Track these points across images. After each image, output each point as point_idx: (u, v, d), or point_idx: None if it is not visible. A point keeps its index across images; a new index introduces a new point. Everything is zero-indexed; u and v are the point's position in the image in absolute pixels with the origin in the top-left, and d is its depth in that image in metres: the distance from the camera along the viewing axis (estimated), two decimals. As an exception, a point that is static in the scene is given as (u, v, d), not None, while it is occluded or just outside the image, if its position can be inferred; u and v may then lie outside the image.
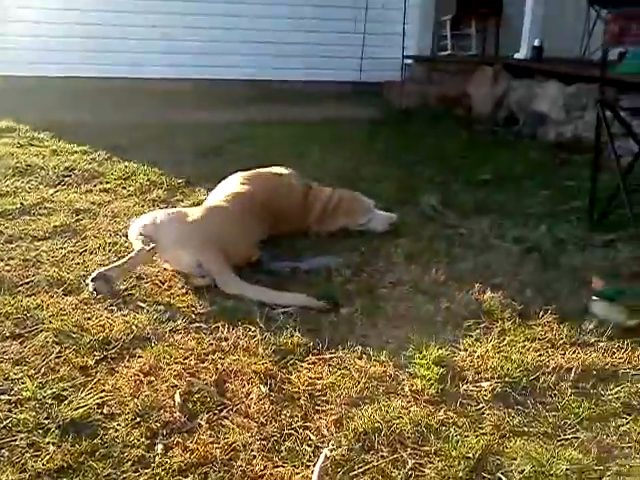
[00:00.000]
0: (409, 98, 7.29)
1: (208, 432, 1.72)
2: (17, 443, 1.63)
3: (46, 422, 1.71)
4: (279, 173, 3.32)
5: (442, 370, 2.02)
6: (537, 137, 5.56)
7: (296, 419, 1.78)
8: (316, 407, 1.84)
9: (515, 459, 1.66)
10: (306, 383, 1.94)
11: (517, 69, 6.39)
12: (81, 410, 1.77)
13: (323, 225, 3.21)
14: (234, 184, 3.10)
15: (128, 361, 2.03)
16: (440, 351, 2.12)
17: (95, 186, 3.90)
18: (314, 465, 1.60)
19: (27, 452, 1.61)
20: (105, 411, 1.79)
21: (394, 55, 8.28)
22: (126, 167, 4.27)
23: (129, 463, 1.60)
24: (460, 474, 1.60)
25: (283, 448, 1.67)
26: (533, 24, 6.54)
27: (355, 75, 8.43)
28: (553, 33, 6.40)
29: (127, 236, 2.97)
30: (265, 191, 3.09)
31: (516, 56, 6.68)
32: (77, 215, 3.35)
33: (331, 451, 1.66)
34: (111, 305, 2.39)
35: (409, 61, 8.38)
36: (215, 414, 1.80)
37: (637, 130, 3.54)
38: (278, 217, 3.07)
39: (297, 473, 1.58)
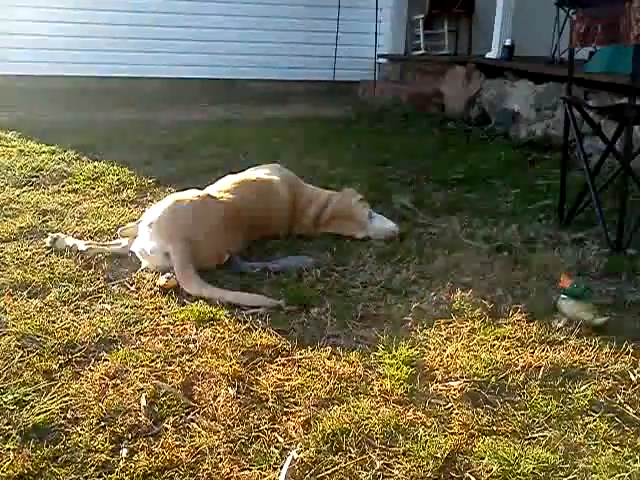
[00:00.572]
0: (382, 97, 7.31)
1: (174, 435, 1.69)
2: (-24, 451, 1.59)
3: (7, 428, 1.67)
4: (267, 180, 3.17)
5: (411, 370, 2.02)
6: (509, 136, 5.60)
7: (264, 421, 1.76)
8: (284, 409, 1.82)
9: (483, 458, 1.66)
10: (274, 385, 1.92)
11: (489, 68, 6.44)
12: (43, 415, 1.73)
13: (314, 231, 3.15)
14: (223, 190, 3.01)
15: (93, 365, 1.99)
16: (410, 351, 2.12)
17: (63, 187, 3.83)
18: (281, 468, 1.58)
19: (-14, 459, 1.57)
20: (69, 416, 1.75)
21: (367, 54, 8.30)
22: (95, 167, 4.21)
23: (92, 468, 1.57)
24: (429, 474, 1.60)
25: (250, 451, 1.65)
26: (504, 24, 6.59)
27: (329, 74, 8.42)
28: (524, 33, 6.46)
29: (93, 236, 2.95)
30: (249, 202, 2.97)
31: (487, 55, 6.73)
32: (44, 216, 3.28)
33: (299, 453, 1.64)
34: (77, 308, 2.34)
35: (382, 60, 8.41)
36: (182, 417, 1.77)
37: (605, 129, 3.57)
38: (261, 225, 3.02)
39: (264, 476, 1.56)
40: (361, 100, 7.76)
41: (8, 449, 1.60)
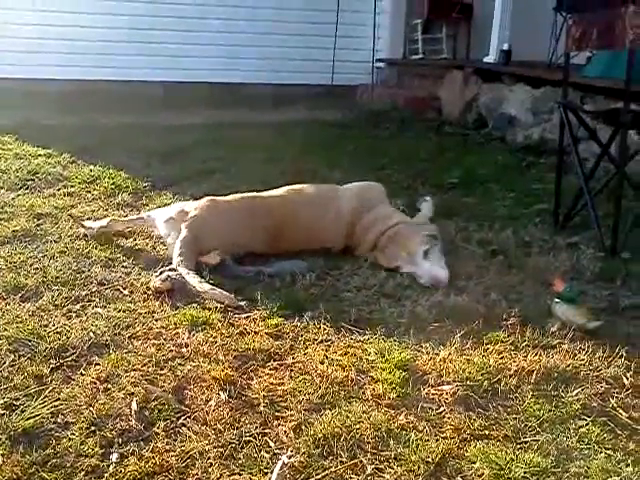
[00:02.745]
0: (380, 101, 7.32)
1: (165, 440, 1.69)
2: (-36, 455, 1.59)
3: (-4, 433, 1.67)
4: (329, 190, 3.20)
5: (404, 374, 2.01)
6: (505, 140, 5.60)
7: (255, 426, 1.76)
8: (276, 413, 1.82)
9: (475, 463, 1.65)
10: (266, 389, 1.92)
11: (486, 73, 6.44)
12: (33, 420, 1.72)
13: (372, 258, 2.91)
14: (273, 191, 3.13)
15: (85, 369, 1.99)
16: (403, 355, 2.11)
17: (59, 190, 3.84)
18: (272, 472, 1.58)
19: (-25, 465, 1.56)
20: (59, 420, 1.74)
21: (365, 59, 8.32)
22: (91, 171, 4.21)
23: (82, 473, 1.56)
24: (420, 478, 1.59)
25: (241, 455, 1.64)
26: (501, 28, 6.60)
27: (327, 78, 8.43)
28: (521, 37, 6.46)
29: (88, 240, 2.96)
30: (291, 205, 3.02)
31: (485, 60, 6.74)
32: (38, 220, 3.28)
33: (289, 458, 1.63)
34: (69, 312, 2.34)
35: (380, 64, 8.43)
36: (172, 422, 1.76)
37: (600, 133, 3.57)
38: (304, 233, 2.96)
39: (254, 481, 1.56)
40: (359, 104, 7.76)
41: (-3, 454, 1.59)
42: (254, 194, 3.11)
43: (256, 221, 2.92)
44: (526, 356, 2.13)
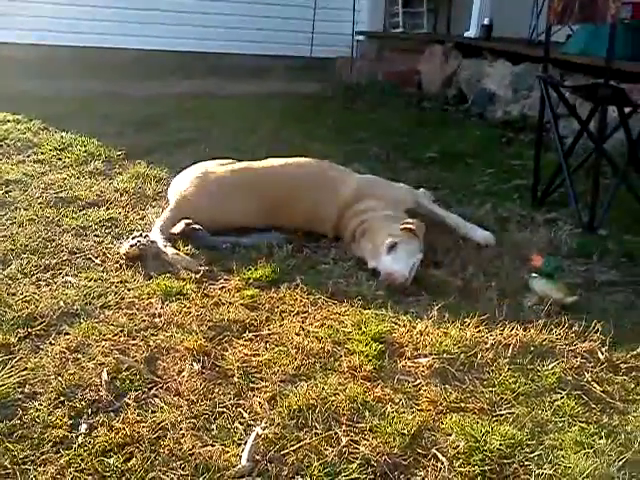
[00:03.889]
0: (360, 74, 7.23)
1: (136, 411, 1.65)
2: None
3: (-41, 403, 1.62)
4: (332, 173, 2.99)
5: (381, 346, 1.99)
6: (485, 115, 5.59)
7: (229, 397, 1.73)
8: (250, 384, 1.79)
9: (450, 435, 1.64)
10: (241, 360, 1.88)
11: (467, 48, 6.39)
12: (-1, 389, 1.67)
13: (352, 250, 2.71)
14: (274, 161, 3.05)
15: (54, 338, 1.93)
16: (379, 327, 2.09)
17: (28, 157, 3.73)
18: (245, 443, 1.55)
19: (-64, 435, 1.51)
20: (26, 390, 1.70)
21: (345, 31, 8.18)
22: (62, 138, 4.09)
23: (49, 444, 1.52)
24: (395, 450, 1.58)
25: (214, 427, 1.62)
26: (483, 3, 6.53)
27: (306, 50, 8.29)
28: (503, 12, 6.41)
29: (57, 207, 2.88)
30: (288, 179, 2.92)
31: (466, 35, 6.68)
32: (7, 186, 3.19)
33: (263, 429, 1.61)
34: (38, 280, 2.28)
35: (360, 37, 8.30)
36: (144, 392, 1.73)
37: (580, 110, 3.56)
38: (300, 212, 2.85)
39: (227, 452, 1.53)
40: (338, 77, 7.65)
41: (-40, 424, 1.54)
42: (250, 164, 3.04)
43: (251, 195, 2.84)
44: (503, 330, 2.12)
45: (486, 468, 1.54)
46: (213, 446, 1.55)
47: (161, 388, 1.75)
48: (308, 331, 2.07)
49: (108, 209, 3.00)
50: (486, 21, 6.37)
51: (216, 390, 1.75)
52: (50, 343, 1.91)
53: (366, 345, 1.99)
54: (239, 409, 1.69)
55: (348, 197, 2.83)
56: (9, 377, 1.72)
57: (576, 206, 3.07)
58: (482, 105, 5.72)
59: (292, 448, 1.56)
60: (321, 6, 8.25)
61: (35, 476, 1.42)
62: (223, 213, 2.80)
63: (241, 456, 1.51)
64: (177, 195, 2.86)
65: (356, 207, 2.78)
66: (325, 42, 8.26)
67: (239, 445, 1.56)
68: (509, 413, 1.74)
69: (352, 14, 8.12)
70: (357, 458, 1.55)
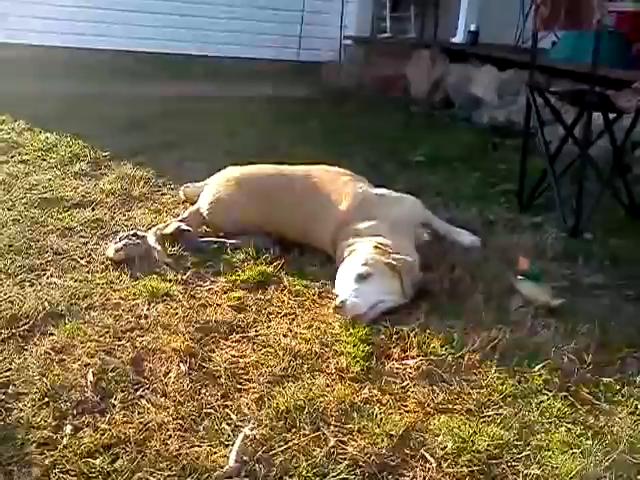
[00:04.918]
0: (347, 79, 7.25)
1: (122, 412, 1.63)
2: None
3: (-59, 403, 1.59)
4: (344, 187, 2.74)
5: (368, 348, 1.99)
6: (472, 120, 5.62)
7: (216, 398, 1.72)
8: (237, 385, 1.78)
9: (438, 436, 1.64)
10: (228, 361, 1.87)
11: (454, 53, 6.43)
12: (-18, 390, 1.65)
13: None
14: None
15: (38, 339, 1.91)
16: (367, 329, 2.09)
17: (12, 157, 3.69)
18: (233, 444, 1.54)
19: None
20: (10, 391, 1.68)
21: (333, 35, 8.21)
22: (47, 138, 4.06)
23: (34, 445, 1.50)
24: (383, 451, 1.57)
25: (201, 427, 1.60)
26: (469, 9, 6.58)
27: (293, 54, 8.31)
28: (489, 19, 6.46)
29: (42, 208, 2.85)
30: (296, 191, 2.75)
31: (453, 40, 6.72)
32: (-9, 186, 3.15)
33: (251, 430, 1.60)
34: (23, 281, 2.25)
35: (348, 42, 8.33)
36: (130, 393, 1.71)
37: (566, 116, 3.59)
38: (298, 224, 2.71)
39: (214, 452, 1.52)
40: (325, 81, 7.67)
41: (-58, 425, 1.52)
42: (276, 168, 2.95)
43: (258, 199, 2.78)
44: (490, 332, 2.13)
45: (474, 469, 1.54)
46: (200, 447, 1.54)
47: (147, 389, 1.73)
48: (295, 333, 2.06)
49: (93, 210, 2.97)
50: (472, 27, 6.41)
51: (203, 391, 1.74)
52: (34, 344, 1.89)
53: (354, 347, 1.99)
54: (226, 410, 1.68)
55: (346, 214, 2.60)
56: (-8, 378, 1.70)
57: (561, 210, 3.09)
58: (469, 110, 5.76)
59: (280, 449, 1.55)
60: (309, 10, 8.27)
61: (19, 477, 1.40)
62: (235, 215, 2.80)
63: (229, 457, 1.50)
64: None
65: (355, 226, 2.52)
66: (313, 46, 8.28)
67: (227, 446, 1.55)
68: (496, 414, 1.74)
69: (340, 18, 8.15)
70: (345, 459, 1.54)
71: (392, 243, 2.40)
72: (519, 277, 2.45)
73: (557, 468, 1.54)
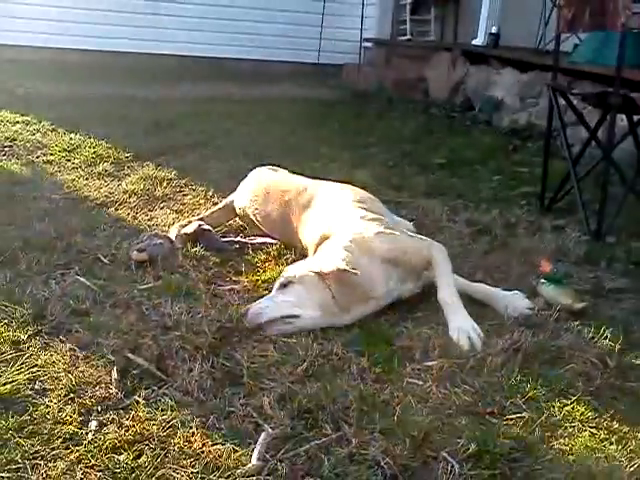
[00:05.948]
0: (367, 81, 7.26)
1: (145, 409, 1.65)
2: (-62, 420, 1.54)
3: (-30, 398, 1.62)
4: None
5: (390, 349, 1.99)
6: (492, 123, 5.59)
7: (238, 397, 1.72)
8: (260, 385, 1.78)
9: (460, 438, 1.63)
10: (250, 361, 1.88)
11: (474, 55, 6.41)
12: (10, 385, 1.68)
13: None
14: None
15: (64, 336, 1.94)
16: (389, 331, 2.09)
17: (38, 157, 3.75)
18: (255, 443, 1.55)
19: (-51, 429, 1.51)
20: (36, 387, 1.70)
21: (353, 38, 8.22)
22: (71, 139, 4.12)
23: (59, 440, 1.52)
24: (405, 452, 1.57)
25: (224, 426, 1.61)
26: (491, 11, 6.56)
27: (314, 56, 8.34)
28: (510, 21, 6.43)
29: (67, 207, 2.89)
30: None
31: (473, 42, 6.70)
32: (17, 186, 3.21)
33: (273, 429, 1.61)
34: (48, 278, 2.28)
35: (368, 44, 8.34)
36: (154, 391, 1.72)
37: (588, 118, 3.57)
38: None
39: (237, 451, 1.53)
40: (345, 83, 7.69)
41: (-29, 419, 1.55)
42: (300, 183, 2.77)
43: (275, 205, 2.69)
44: (512, 334, 2.11)
45: (496, 471, 1.53)
46: (223, 445, 1.55)
47: (171, 387, 1.74)
48: (317, 333, 2.06)
49: (117, 210, 3.01)
50: (494, 29, 6.39)
51: (225, 390, 1.75)
52: (60, 340, 1.91)
53: (375, 348, 1.99)
54: (248, 409, 1.68)
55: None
56: (19, 374, 1.73)
57: (584, 213, 3.07)
58: (489, 113, 5.73)
59: (302, 448, 1.56)
60: (329, 12, 8.29)
61: (46, 471, 1.42)
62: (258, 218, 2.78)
63: (251, 455, 1.51)
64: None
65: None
66: (333, 48, 8.30)
67: (249, 444, 1.56)
68: (519, 417, 1.73)
69: (360, 21, 8.16)
70: (367, 459, 1.54)
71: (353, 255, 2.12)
72: (541, 280, 2.43)
73: (581, 473, 1.53)
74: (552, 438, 1.65)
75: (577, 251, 2.84)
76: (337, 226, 2.31)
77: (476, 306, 2.29)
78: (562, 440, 1.65)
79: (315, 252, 2.31)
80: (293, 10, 8.29)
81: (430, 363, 1.94)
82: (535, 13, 6.42)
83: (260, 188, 2.82)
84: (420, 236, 2.46)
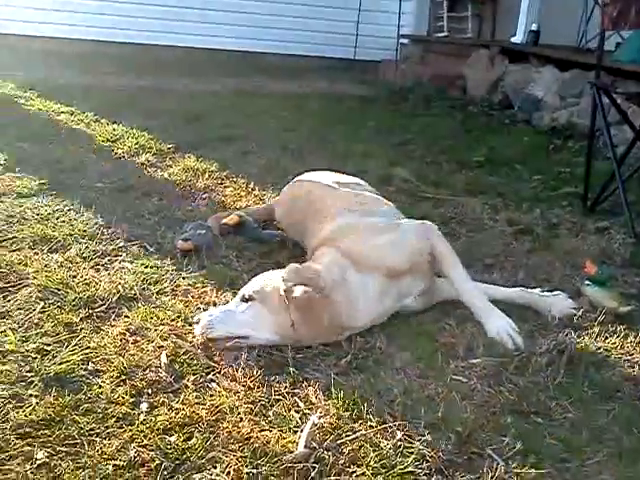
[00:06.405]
0: (403, 78, 7.23)
1: (194, 393, 1.68)
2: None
3: (29, 375, 1.68)
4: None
5: (433, 345, 1.99)
6: (532, 122, 5.53)
7: (284, 386, 1.74)
8: (305, 375, 1.80)
9: (505, 436, 1.63)
10: (295, 350, 1.90)
11: (513, 53, 6.34)
12: (65, 365, 1.72)
13: None
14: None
15: (114, 320, 1.98)
16: (432, 327, 2.09)
17: (82, 147, 3.81)
18: (301, 431, 1.57)
19: (9, 403, 1.57)
20: (90, 367, 1.74)
21: (390, 34, 8.20)
22: (114, 130, 4.19)
23: (113, 419, 1.56)
24: (450, 447, 1.58)
25: (270, 413, 1.64)
26: (530, 8, 6.47)
27: (349, 52, 8.33)
28: (550, 18, 6.34)
29: (112, 196, 2.94)
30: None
31: (512, 40, 6.62)
32: (64, 174, 3.27)
33: (319, 418, 1.62)
34: (97, 265, 2.33)
35: (405, 41, 8.31)
36: (201, 376, 1.76)
37: (632, 117, 3.51)
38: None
39: (284, 438, 1.55)
40: (381, 80, 7.67)
41: (31, 395, 1.60)
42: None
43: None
44: (556, 336, 2.09)
45: (543, 471, 1.53)
46: (270, 431, 1.57)
47: (218, 373, 1.77)
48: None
49: (161, 199, 3.05)
50: (534, 27, 6.31)
51: (271, 379, 1.77)
52: (110, 324, 1.96)
53: (418, 343, 2.00)
54: (294, 398, 1.71)
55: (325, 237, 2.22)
56: (73, 354, 1.77)
57: (629, 215, 3.02)
58: (528, 111, 5.66)
59: (348, 438, 1.57)
60: (366, 8, 8.28)
61: (101, 448, 1.46)
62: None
63: (298, 443, 1.53)
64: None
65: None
66: (369, 45, 8.29)
67: (295, 432, 1.58)
68: (564, 418, 1.72)
69: (397, 17, 8.14)
70: (412, 453, 1.55)
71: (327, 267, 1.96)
72: (586, 281, 2.40)
73: (630, 478, 1.52)
74: (599, 441, 1.64)
75: (622, 253, 2.80)
76: (334, 232, 2.18)
77: (516, 307, 2.27)
78: (609, 443, 1.63)
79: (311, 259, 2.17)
80: (330, 6, 8.28)
81: (474, 361, 1.94)
82: (576, 10, 6.34)
83: (291, 199, 2.75)
84: (408, 221, 2.30)
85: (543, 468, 1.54)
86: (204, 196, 3.17)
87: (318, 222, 2.34)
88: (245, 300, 1.93)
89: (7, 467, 1.40)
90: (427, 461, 1.54)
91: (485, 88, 6.35)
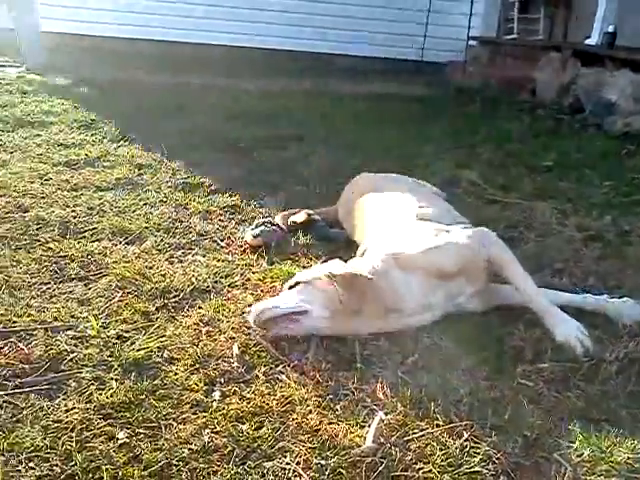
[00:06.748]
0: (472, 79, 7.15)
1: (265, 384, 1.73)
2: (83, 376, 1.69)
3: (110, 359, 1.77)
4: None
5: (500, 348, 1.99)
6: (603, 126, 5.37)
7: (352, 381, 1.78)
8: (372, 372, 1.83)
9: (573, 442, 1.61)
10: (362, 347, 1.93)
11: (586, 56, 6.18)
12: (142, 352, 1.81)
13: None
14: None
15: (188, 310, 2.06)
16: (500, 331, 2.08)
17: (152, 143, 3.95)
18: (369, 426, 1.60)
19: (92, 385, 1.66)
20: (165, 355, 1.82)
21: (458, 36, 8.13)
22: (183, 126, 4.32)
23: (187, 405, 1.63)
24: (516, 450, 1.57)
25: (338, 407, 1.67)
26: (607, 9, 6.28)
27: (417, 53, 8.30)
28: (628, 20, 6.15)
29: (185, 191, 3.01)
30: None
31: (587, 42, 6.45)
32: (139, 169, 3.40)
33: (386, 415, 1.65)
34: (172, 257, 2.43)
35: (473, 42, 8.22)
36: (271, 368, 1.81)
37: None
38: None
39: (352, 432, 1.58)
40: (449, 81, 7.61)
41: (111, 378, 1.69)
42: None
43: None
44: (627, 344, 2.05)
45: (613, 479, 1.51)
46: (338, 425, 1.61)
47: (287, 366, 1.82)
48: (425, 326, 2.09)
49: (230, 196, 3.14)
50: (610, 28, 6.13)
51: (339, 374, 1.81)
52: (184, 315, 2.04)
53: (486, 346, 1.99)
54: (361, 394, 1.74)
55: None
56: (150, 342, 1.86)
57: None
58: (600, 115, 5.50)
59: (415, 436, 1.59)
60: (434, 10, 8.23)
61: (177, 432, 1.53)
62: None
63: (365, 437, 1.56)
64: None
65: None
66: (437, 46, 8.24)
67: (362, 427, 1.61)
68: (636, 427, 1.69)
69: (466, 19, 8.06)
70: (479, 453, 1.56)
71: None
72: (660, 290, 2.34)
73: None
74: (673, 453, 1.60)
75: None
76: (383, 235, 2.26)
77: (586, 314, 2.23)
78: (684, 456, 1.59)
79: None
80: (398, 7, 8.27)
81: (542, 365, 1.92)
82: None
83: (348, 200, 2.79)
84: (463, 227, 2.30)
85: (613, 477, 1.52)
86: (271, 193, 3.24)
87: (370, 223, 2.41)
88: (291, 288, 2.01)
89: (91, 444, 1.48)
90: (494, 462, 1.54)
91: (555, 91, 6.21)
